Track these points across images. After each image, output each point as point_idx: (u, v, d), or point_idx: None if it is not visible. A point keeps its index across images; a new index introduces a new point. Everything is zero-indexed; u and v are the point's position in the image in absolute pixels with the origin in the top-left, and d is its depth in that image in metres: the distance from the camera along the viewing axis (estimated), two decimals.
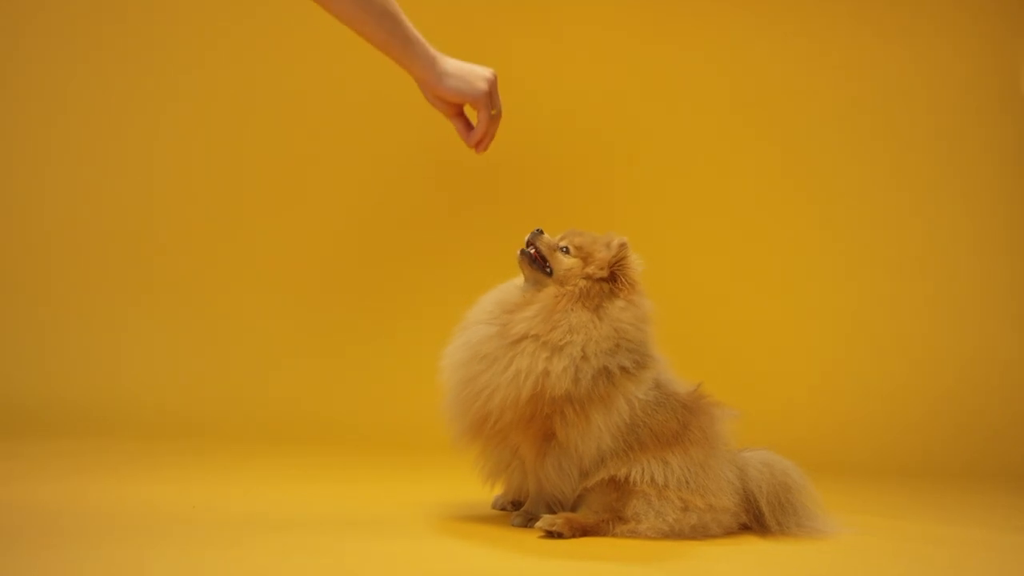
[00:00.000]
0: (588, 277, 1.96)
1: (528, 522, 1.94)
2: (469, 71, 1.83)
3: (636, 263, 2.01)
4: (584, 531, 1.87)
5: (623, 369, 1.91)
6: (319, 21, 3.43)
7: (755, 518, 1.99)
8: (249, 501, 2.10)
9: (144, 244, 3.41)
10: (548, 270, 1.99)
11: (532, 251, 2.00)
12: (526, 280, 2.03)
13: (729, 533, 1.95)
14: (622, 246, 2.01)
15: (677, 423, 1.94)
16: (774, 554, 1.85)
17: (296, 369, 3.27)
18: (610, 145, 3.44)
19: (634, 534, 1.87)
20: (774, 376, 3.22)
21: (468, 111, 1.90)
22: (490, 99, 1.84)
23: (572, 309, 1.92)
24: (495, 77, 1.86)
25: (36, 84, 3.46)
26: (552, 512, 1.93)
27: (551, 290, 1.96)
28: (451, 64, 1.82)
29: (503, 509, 2.10)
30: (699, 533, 1.90)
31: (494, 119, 1.87)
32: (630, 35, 3.45)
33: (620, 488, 1.91)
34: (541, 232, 2.02)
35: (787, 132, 3.41)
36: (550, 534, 1.84)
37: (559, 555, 1.75)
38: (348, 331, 3.34)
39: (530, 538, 1.87)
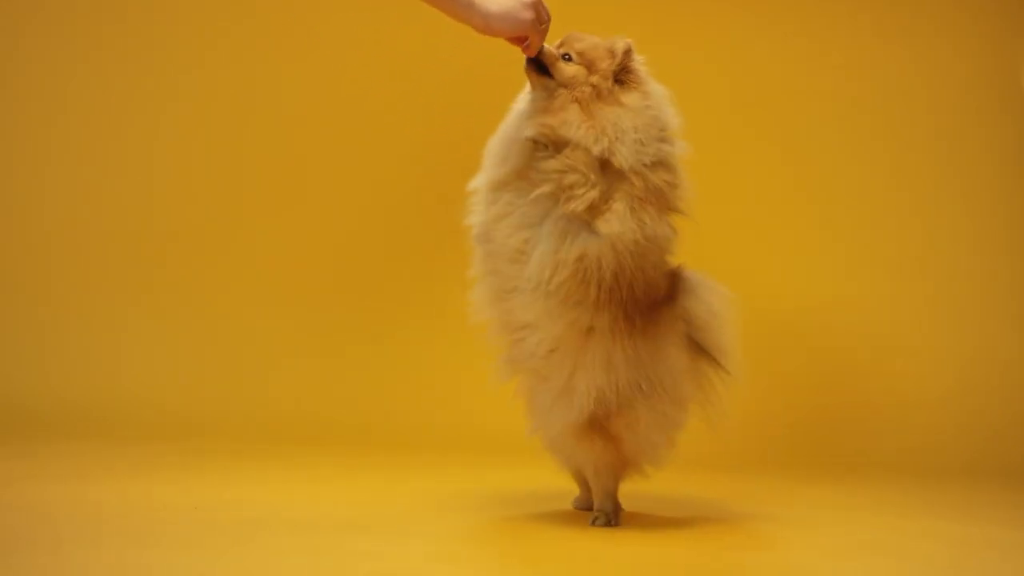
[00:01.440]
0: (593, 86, 1.93)
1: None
2: (511, 6, 1.89)
3: (641, 64, 2.01)
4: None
5: (669, 184, 1.93)
6: (319, 22, 3.44)
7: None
8: (250, 501, 2.10)
9: (144, 244, 3.40)
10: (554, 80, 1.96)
11: (535, 55, 1.95)
12: (535, 91, 1.98)
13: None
14: (626, 53, 1.98)
15: (661, 291, 1.96)
16: (771, 552, 1.85)
17: (296, 369, 3.27)
18: None
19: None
20: (772, 375, 3.22)
21: None
22: (538, 22, 1.92)
23: (598, 108, 1.91)
24: None
25: (36, 84, 3.46)
26: None
27: (563, 96, 1.93)
28: (493, 4, 1.89)
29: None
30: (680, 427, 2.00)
31: (544, 30, 1.95)
32: (629, 35, 3.45)
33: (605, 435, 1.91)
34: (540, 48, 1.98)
35: (787, 132, 3.41)
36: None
37: (559, 558, 1.75)
38: (348, 331, 3.33)
39: (530, 539, 1.87)
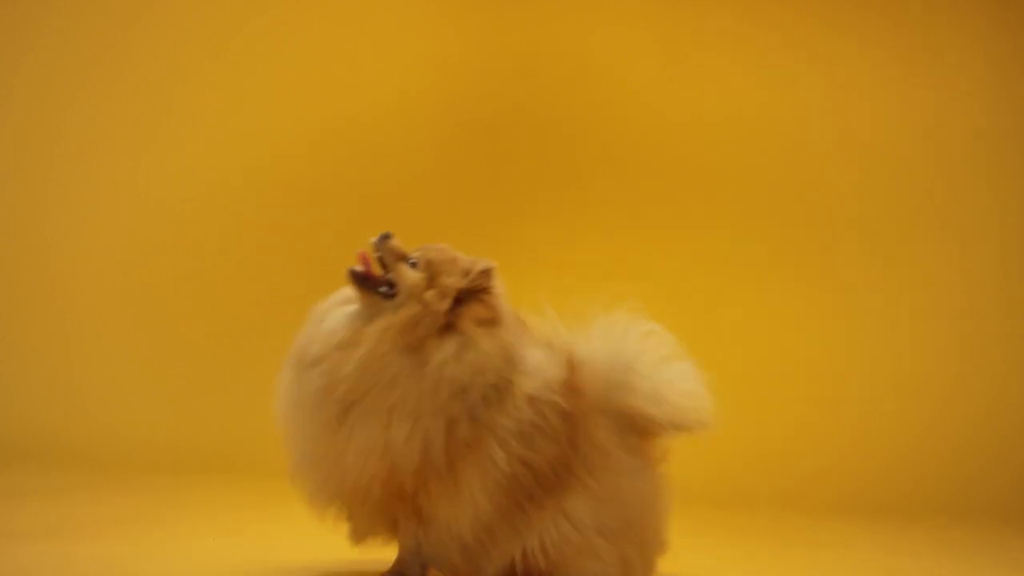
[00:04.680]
0: (425, 304, 1.60)
1: None
2: None
3: (500, 293, 1.66)
4: None
5: (485, 399, 1.57)
6: (310, 29, 3.42)
7: None
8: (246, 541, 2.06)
9: (130, 270, 3.37)
10: (384, 290, 1.64)
11: (361, 269, 1.65)
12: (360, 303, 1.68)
13: None
14: (483, 273, 1.64)
15: (557, 447, 1.59)
16: None
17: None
18: (614, 154, 3.44)
19: None
20: (759, 417, 3.20)
21: None
22: None
23: (391, 352, 1.57)
24: None
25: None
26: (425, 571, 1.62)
27: (376, 327, 1.60)
28: None
29: None
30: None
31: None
32: (652, 64, 3.49)
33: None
34: (389, 236, 1.67)
35: (797, 177, 3.42)
36: None
37: None
38: None
39: None
